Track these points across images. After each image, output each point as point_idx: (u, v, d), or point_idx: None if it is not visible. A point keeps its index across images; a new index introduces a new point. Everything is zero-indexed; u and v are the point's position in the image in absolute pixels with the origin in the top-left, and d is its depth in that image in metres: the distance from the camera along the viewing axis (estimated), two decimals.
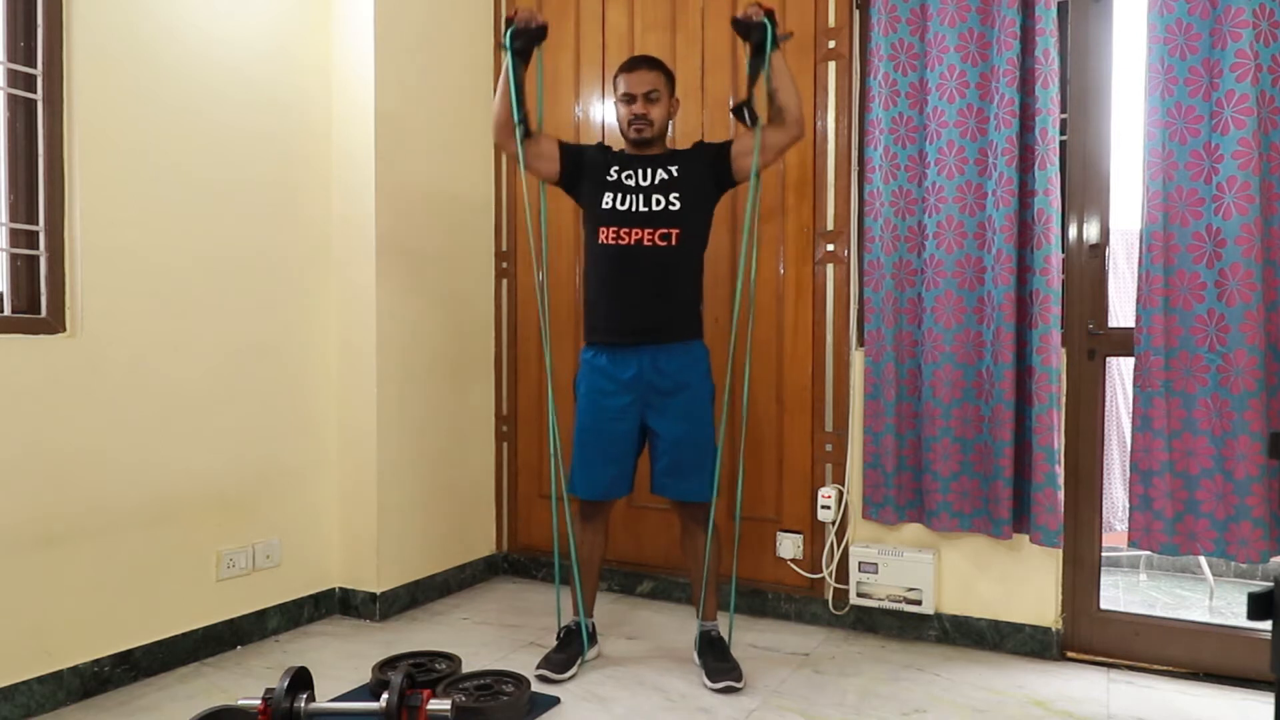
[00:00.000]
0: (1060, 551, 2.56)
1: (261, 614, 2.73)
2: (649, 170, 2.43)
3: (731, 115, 2.34)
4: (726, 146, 2.45)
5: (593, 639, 2.58)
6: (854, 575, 2.79)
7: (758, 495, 2.95)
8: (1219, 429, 2.28)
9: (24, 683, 2.14)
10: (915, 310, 2.69)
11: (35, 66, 2.21)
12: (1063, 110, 2.52)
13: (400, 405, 2.99)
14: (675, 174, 2.42)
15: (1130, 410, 2.62)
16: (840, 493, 2.83)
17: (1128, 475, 2.61)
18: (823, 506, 2.83)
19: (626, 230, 2.40)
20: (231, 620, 2.63)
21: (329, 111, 2.93)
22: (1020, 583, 2.62)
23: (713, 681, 2.36)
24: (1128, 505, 2.44)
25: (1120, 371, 3.48)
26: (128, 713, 2.21)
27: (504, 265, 3.44)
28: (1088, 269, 2.57)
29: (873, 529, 2.81)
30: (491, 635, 2.79)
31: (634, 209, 2.40)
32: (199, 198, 2.53)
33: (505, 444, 3.45)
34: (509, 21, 2.40)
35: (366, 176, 2.89)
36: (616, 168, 2.46)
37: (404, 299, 3.00)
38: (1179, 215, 2.31)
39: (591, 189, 2.47)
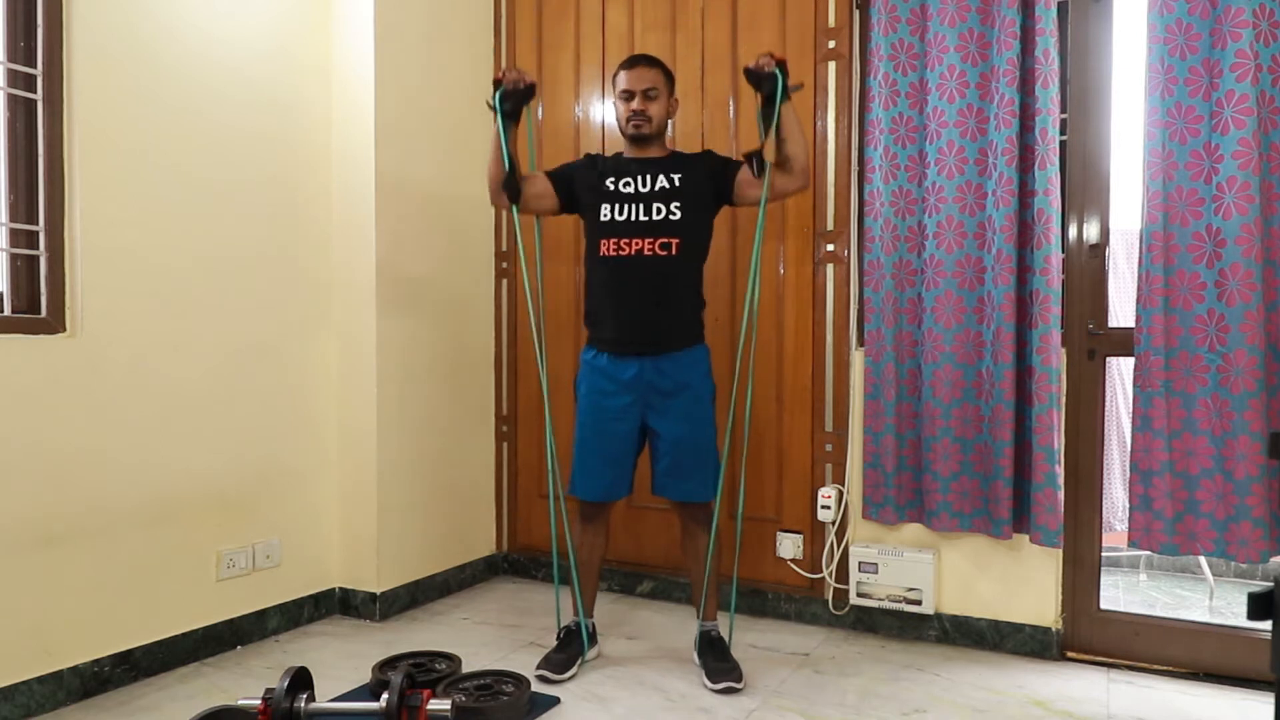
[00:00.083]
0: (1060, 551, 2.56)
1: (261, 614, 2.73)
2: (648, 176, 2.42)
3: (744, 159, 2.36)
4: (733, 169, 2.44)
5: (593, 639, 2.58)
6: (854, 575, 2.79)
7: (758, 495, 2.95)
8: (1219, 429, 2.28)
9: (24, 683, 2.14)
10: (915, 310, 2.69)
11: (35, 66, 2.21)
12: (1063, 110, 2.52)
13: (400, 405, 2.99)
14: (677, 183, 2.41)
15: (1130, 410, 2.61)
16: (840, 493, 2.84)
17: (1128, 475, 2.61)
18: (823, 506, 2.83)
19: (627, 241, 2.40)
20: (231, 620, 2.63)
21: (329, 111, 2.93)
22: (1020, 583, 2.62)
23: (713, 682, 2.36)
24: (1128, 505, 2.44)
25: (1120, 371, 3.48)
26: (128, 713, 2.21)
27: (504, 265, 3.44)
28: (1088, 269, 2.57)
29: (873, 529, 2.81)
30: (491, 635, 2.79)
31: (633, 218, 2.40)
32: (199, 198, 2.53)
33: (505, 444, 3.45)
34: (498, 83, 2.41)
35: (366, 176, 2.89)
36: (612, 177, 2.44)
37: (404, 299, 3.00)
38: (1179, 215, 2.31)
39: (589, 204, 2.46)
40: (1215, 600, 3.42)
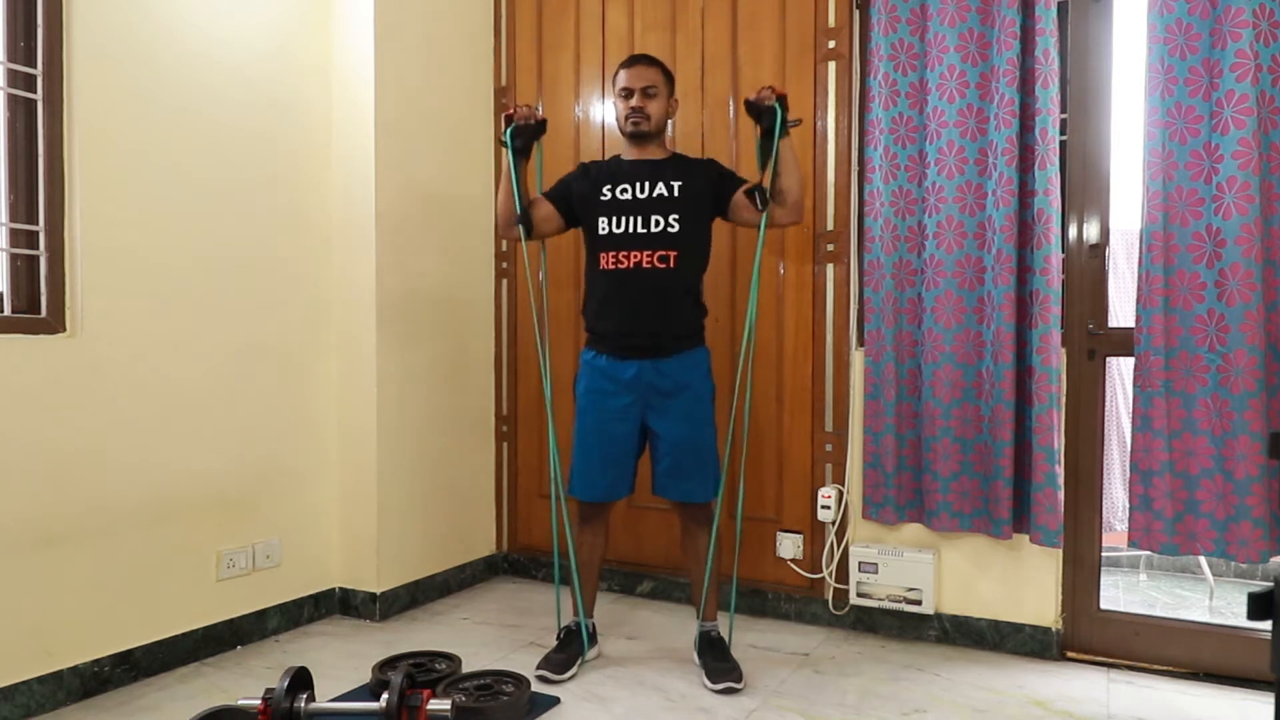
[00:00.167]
0: (1060, 551, 2.56)
1: (261, 614, 2.73)
2: (646, 182, 2.42)
3: (744, 195, 2.38)
4: (732, 187, 2.44)
5: (593, 639, 2.58)
6: (854, 575, 2.79)
7: (758, 495, 2.95)
8: (1219, 429, 2.28)
9: (24, 683, 2.14)
10: (915, 310, 2.69)
11: (35, 66, 2.21)
12: (1063, 110, 2.52)
13: (400, 405, 2.99)
14: (676, 192, 2.41)
15: (1130, 410, 2.61)
16: (840, 493, 2.83)
17: (1128, 475, 2.60)
18: (823, 506, 2.83)
19: (625, 254, 2.40)
20: (231, 620, 2.63)
21: (329, 112, 2.93)
22: (1020, 583, 2.62)
23: (713, 682, 2.36)
24: (1128, 505, 2.44)
25: (1120, 371, 3.48)
26: (128, 713, 2.21)
27: (504, 265, 3.43)
28: (1088, 269, 2.57)
29: (873, 529, 2.81)
30: (491, 635, 2.79)
31: (632, 230, 2.40)
32: (199, 198, 2.53)
33: (505, 444, 3.45)
34: (509, 119, 2.42)
35: (366, 176, 2.89)
36: (609, 185, 2.45)
37: (404, 299, 3.00)
38: (1179, 215, 2.31)
39: (587, 216, 2.47)
40: (1215, 600, 3.42)
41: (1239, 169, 2.21)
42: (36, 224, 2.22)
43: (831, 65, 2.84)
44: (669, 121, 2.53)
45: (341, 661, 2.55)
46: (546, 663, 2.44)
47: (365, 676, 2.39)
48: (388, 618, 2.94)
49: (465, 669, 2.42)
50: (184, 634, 2.50)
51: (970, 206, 2.58)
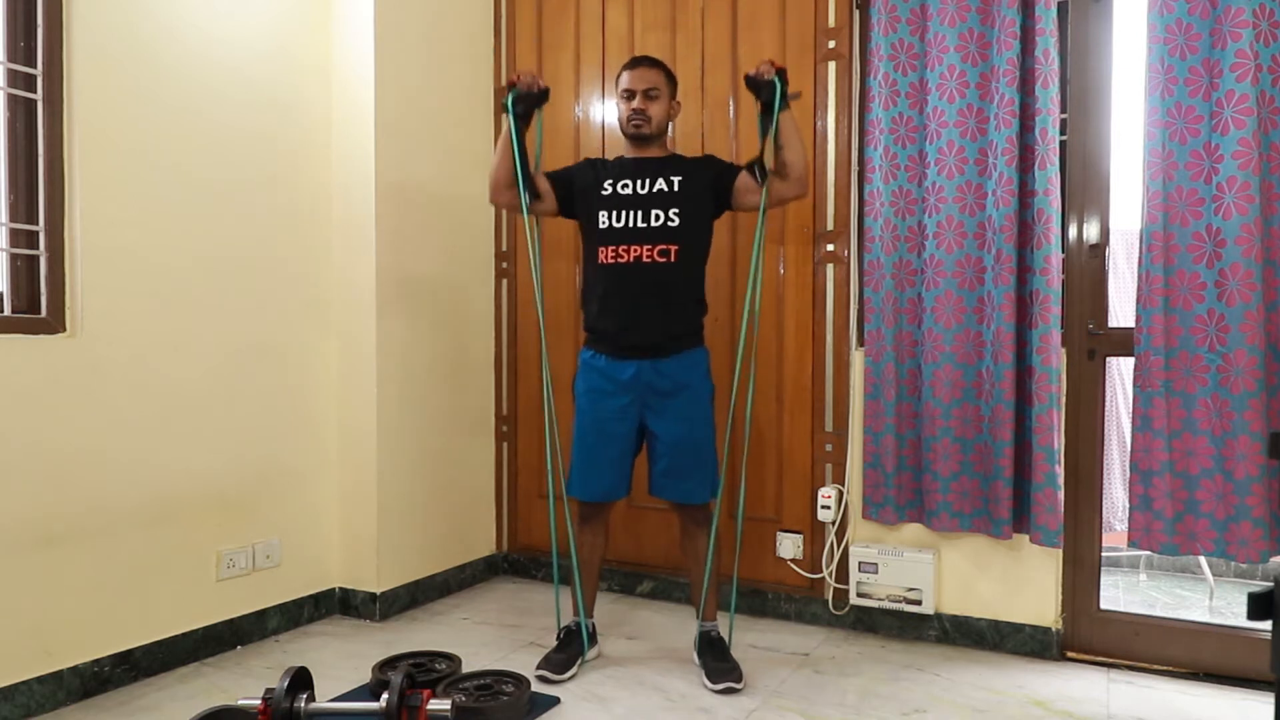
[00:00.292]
0: (1060, 551, 2.56)
1: (261, 614, 2.73)
2: (646, 179, 2.42)
3: (746, 170, 2.38)
4: (732, 174, 2.44)
5: (593, 639, 2.58)
6: (854, 575, 2.79)
7: (758, 495, 2.95)
8: (1219, 429, 2.28)
9: (24, 683, 2.14)
10: (915, 310, 2.69)
11: (35, 66, 2.21)
12: (1063, 110, 2.52)
13: (400, 405, 2.99)
14: (675, 186, 2.41)
15: (1130, 410, 2.62)
16: (840, 493, 2.83)
17: (1128, 475, 2.61)
18: (823, 506, 2.83)
19: (625, 248, 2.40)
20: (231, 620, 2.63)
21: (329, 112, 2.93)
22: (1020, 583, 2.62)
23: (713, 682, 2.35)
24: (1128, 505, 2.44)
25: (1120, 371, 3.48)
26: (128, 713, 2.21)
27: (504, 265, 3.44)
28: (1088, 269, 2.57)
29: (873, 529, 2.81)
30: (491, 635, 2.79)
31: (632, 225, 2.40)
32: (199, 198, 2.53)
33: (505, 444, 3.45)
34: (511, 85, 2.42)
35: (366, 176, 2.89)
36: (611, 180, 2.45)
37: (404, 299, 3.00)
38: (1179, 215, 2.31)
39: (587, 209, 2.47)
40: (1215, 600, 3.42)
41: (1239, 169, 2.21)
42: (36, 224, 2.22)
43: (831, 65, 2.84)
44: (670, 123, 2.53)
45: (341, 661, 2.55)
46: (546, 663, 2.44)
47: (365, 676, 2.39)
48: (388, 618, 2.94)
49: (465, 669, 2.42)
50: (184, 634, 2.50)
51: (970, 206, 2.58)
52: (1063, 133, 2.53)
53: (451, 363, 3.23)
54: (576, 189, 2.50)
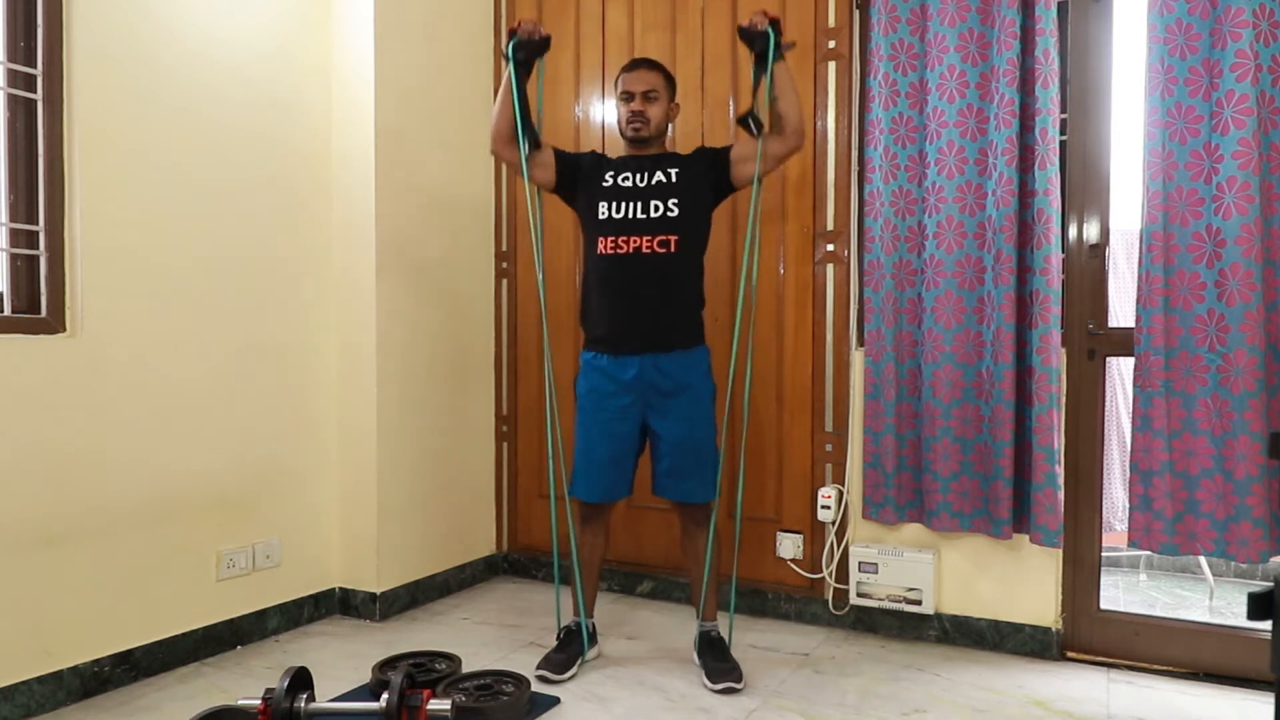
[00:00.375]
0: (1060, 551, 2.56)
1: (261, 614, 2.73)
2: (646, 173, 2.43)
3: (736, 124, 2.37)
4: (725, 152, 2.45)
5: (593, 639, 2.58)
6: (854, 575, 2.79)
7: (758, 495, 2.95)
8: (1219, 429, 2.28)
9: (24, 683, 2.14)
10: (915, 310, 2.69)
11: (35, 66, 2.21)
12: (1063, 110, 2.52)
13: (400, 405, 2.99)
14: (673, 178, 2.41)
15: (1130, 410, 2.62)
16: (840, 493, 2.83)
17: (1128, 475, 2.60)
18: (823, 506, 2.83)
19: (624, 239, 2.40)
20: (231, 620, 2.63)
21: (329, 112, 2.93)
22: (1020, 583, 2.62)
23: (713, 682, 2.35)
24: (1128, 505, 2.44)
25: (1120, 371, 3.48)
26: (128, 713, 2.21)
27: (504, 266, 3.44)
28: (1088, 269, 2.57)
29: (873, 529, 2.81)
30: (491, 635, 2.79)
31: (631, 216, 2.40)
32: (199, 198, 2.53)
33: (505, 444, 3.45)
34: (512, 33, 2.41)
35: (366, 176, 2.89)
36: (612, 172, 2.46)
37: (404, 299, 3.00)
38: (1179, 215, 2.31)
39: (588, 199, 2.47)
40: (1215, 600, 3.42)
41: (1239, 169, 2.21)
42: (36, 224, 2.22)
43: (831, 65, 2.84)
44: (669, 125, 2.53)
45: (341, 661, 2.55)
46: (546, 663, 2.44)
47: (365, 676, 2.39)
48: (388, 618, 2.94)
49: (465, 669, 2.42)
50: (184, 634, 2.50)
51: (970, 206, 2.58)
52: (1063, 133, 2.53)
53: (451, 363, 3.23)
54: (581, 174, 2.50)
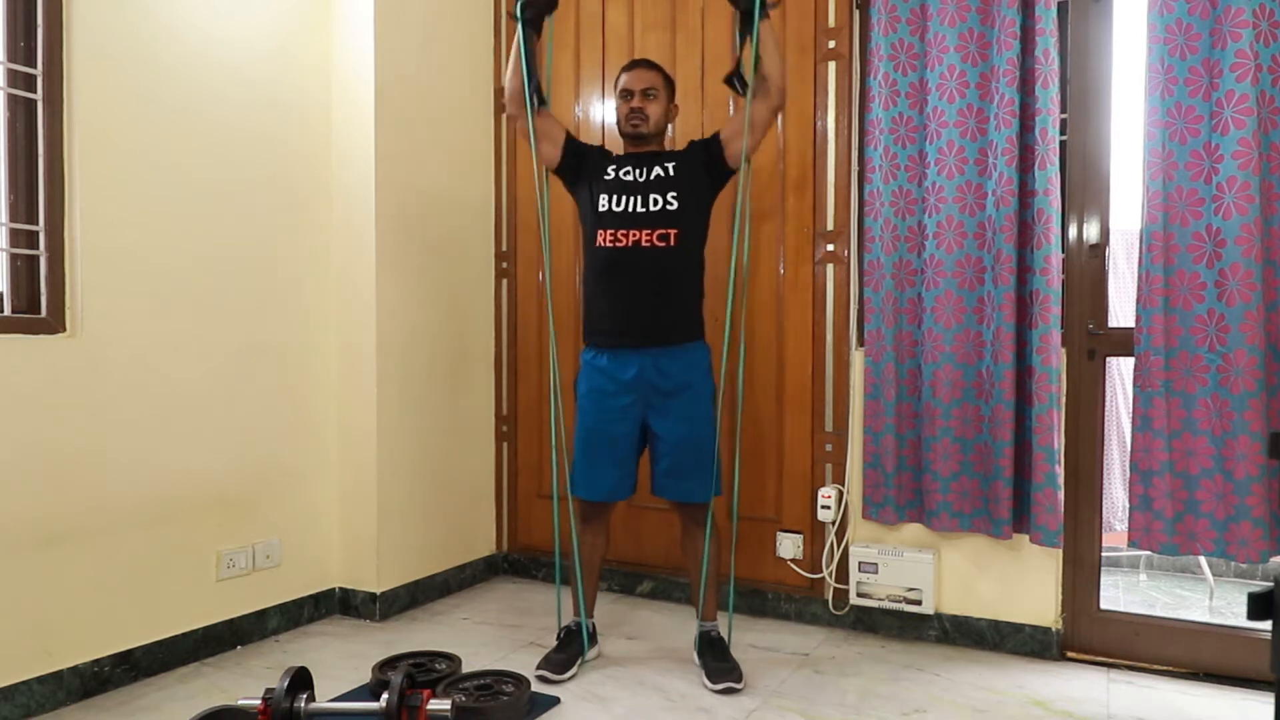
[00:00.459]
0: (1060, 551, 2.56)
1: (261, 614, 2.73)
2: (645, 168, 2.44)
3: (725, 83, 2.40)
4: (715, 136, 2.47)
5: (593, 639, 2.58)
6: (854, 575, 2.79)
7: (758, 495, 2.95)
8: (1219, 429, 2.28)
9: (24, 683, 2.14)
10: (915, 310, 2.69)
11: (35, 66, 2.21)
12: (1063, 110, 2.52)
13: (400, 405, 2.99)
14: (671, 171, 2.42)
15: (1130, 410, 2.62)
16: (840, 493, 2.83)
17: (1128, 475, 2.61)
18: (823, 506, 2.83)
19: (624, 232, 2.40)
20: (231, 620, 2.63)
21: (329, 112, 2.93)
22: (1020, 583, 2.62)
23: (713, 682, 2.35)
24: (1128, 505, 2.44)
25: (1120, 371, 3.48)
26: (128, 713, 2.21)
27: (504, 265, 3.44)
28: (1088, 269, 2.57)
29: (873, 529, 2.81)
30: (491, 635, 2.79)
31: (631, 209, 2.40)
32: (199, 198, 2.53)
33: (505, 444, 3.45)
34: None
35: (366, 176, 2.89)
36: (614, 166, 2.47)
37: (404, 299, 3.00)
38: (1179, 215, 2.31)
39: (588, 191, 2.47)
40: (1215, 600, 3.42)
41: (1239, 169, 2.21)
42: (36, 224, 2.22)
43: (831, 65, 2.84)
44: (669, 125, 2.54)
45: (341, 661, 2.55)
46: (546, 663, 2.44)
47: (365, 676, 2.39)
48: (388, 618, 2.94)
49: (465, 669, 2.42)
50: (184, 634, 2.50)
51: (970, 206, 2.58)
52: (1063, 133, 2.53)
53: (451, 363, 3.23)
54: (587, 163, 2.51)
